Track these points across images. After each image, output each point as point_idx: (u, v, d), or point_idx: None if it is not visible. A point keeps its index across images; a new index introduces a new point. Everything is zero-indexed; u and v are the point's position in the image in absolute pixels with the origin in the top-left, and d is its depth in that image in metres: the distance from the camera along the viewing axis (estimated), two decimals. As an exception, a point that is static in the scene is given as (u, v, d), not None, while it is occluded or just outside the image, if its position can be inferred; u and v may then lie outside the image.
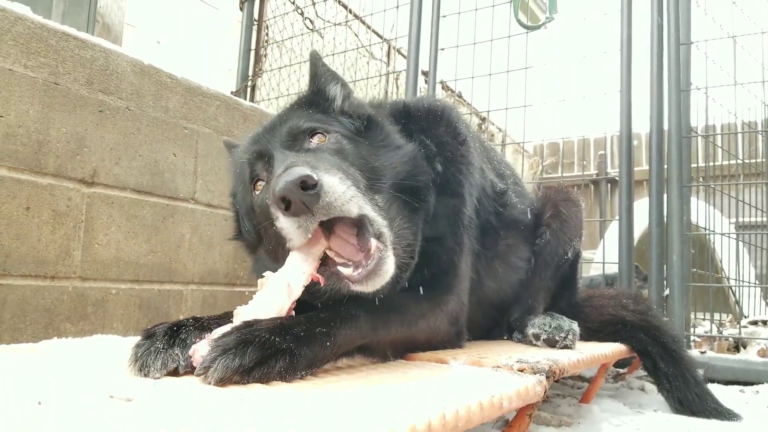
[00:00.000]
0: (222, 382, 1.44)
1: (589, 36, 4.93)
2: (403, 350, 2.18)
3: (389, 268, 1.80)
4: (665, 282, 3.91)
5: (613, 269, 6.84)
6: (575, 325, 2.70)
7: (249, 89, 6.46)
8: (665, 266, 3.92)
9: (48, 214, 2.72)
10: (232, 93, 6.37)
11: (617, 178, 11.92)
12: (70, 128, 2.83)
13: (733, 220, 5.57)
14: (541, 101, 4.81)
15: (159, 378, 1.57)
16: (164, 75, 3.31)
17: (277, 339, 1.58)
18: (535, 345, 2.74)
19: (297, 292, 1.75)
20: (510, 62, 4.97)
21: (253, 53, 6.64)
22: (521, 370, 2.04)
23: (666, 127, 4.03)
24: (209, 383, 1.45)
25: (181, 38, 6.76)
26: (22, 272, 2.61)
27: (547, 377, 1.98)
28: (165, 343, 1.64)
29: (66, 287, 2.79)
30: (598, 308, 3.43)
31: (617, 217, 5.44)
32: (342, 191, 1.68)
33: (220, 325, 1.85)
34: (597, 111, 5.52)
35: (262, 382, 1.51)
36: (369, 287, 1.78)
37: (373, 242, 1.77)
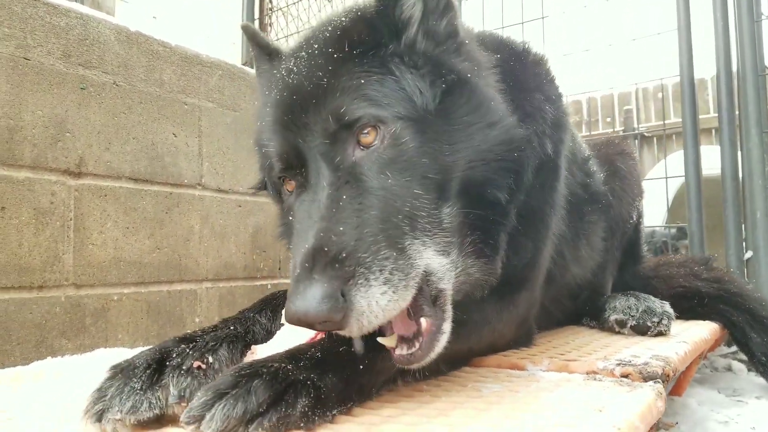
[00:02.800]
0: None
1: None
2: (458, 364, 1.73)
3: (442, 341, 1.34)
4: (744, 244, 3.41)
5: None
6: (668, 307, 2.23)
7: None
8: (743, 226, 3.42)
9: (28, 213, 2.30)
10: (237, 67, 5.89)
11: (645, 134, 11.26)
12: (48, 110, 2.40)
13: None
14: (585, 48, 4.27)
15: (126, 430, 1.17)
16: (155, 43, 2.86)
17: (289, 367, 1.16)
18: (618, 333, 2.28)
19: None
20: (544, 8, 4.42)
21: (257, 23, 6.13)
22: (626, 376, 1.59)
23: (735, 65, 3.49)
24: None
25: (178, 11, 6.27)
26: (3, 284, 2.20)
27: (662, 383, 1.53)
28: (147, 379, 1.21)
29: (58, 297, 2.38)
30: (666, 279, 2.96)
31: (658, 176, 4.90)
32: (381, 308, 1.18)
33: (217, 339, 1.43)
34: (641, 58, 4.94)
35: None
36: (415, 366, 1.34)
37: (424, 322, 1.30)
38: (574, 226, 2.21)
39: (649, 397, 1.37)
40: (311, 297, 1.11)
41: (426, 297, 1.33)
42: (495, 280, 1.59)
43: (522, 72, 1.85)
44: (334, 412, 1.21)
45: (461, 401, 1.39)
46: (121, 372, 1.25)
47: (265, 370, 1.14)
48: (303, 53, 1.52)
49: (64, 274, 2.41)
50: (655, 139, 12.08)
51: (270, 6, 6.17)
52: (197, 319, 2.94)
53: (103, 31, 2.62)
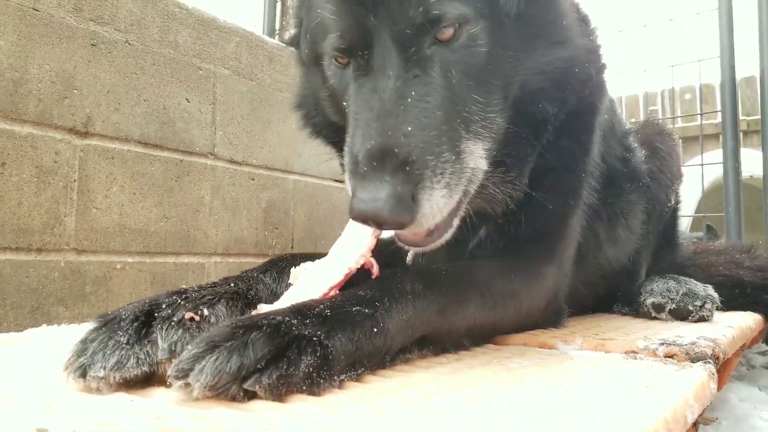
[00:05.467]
0: (214, 392, 0.90)
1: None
2: (481, 339, 1.59)
3: (449, 234, 1.41)
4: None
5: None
6: (712, 290, 2.06)
7: (276, 44, 5.86)
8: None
9: (30, 171, 2.19)
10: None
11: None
12: (56, 65, 2.28)
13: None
14: (617, 28, 4.07)
15: (111, 389, 1.03)
16: (171, 3, 2.73)
17: (294, 321, 1.02)
18: (655, 318, 2.10)
19: (338, 277, 1.26)
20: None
21: (279, 5, 6.02)
22: (670, 356, 1.42)
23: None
24: (195, 397, 0.90)
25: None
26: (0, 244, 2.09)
27: (713, 365, 1.36)
28: (134, 333, 1.07)
29: (57, 262, 2.26)
30: (704, 268, 2.78)
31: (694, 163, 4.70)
32: (440, 209, 1.26)
33: (215, 293, 1.30)
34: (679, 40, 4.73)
35: (279, 394, 0.95)
36: (418, 250, 1.44)
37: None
38: (611, 203, 2.07)
39: (702, 375, 1.20)
40: (385, 198, 1.14)
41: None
42: (517, 196, 1.58)
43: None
44: (342, 376, 1.07)
45: (486, 375, 1.24)
46: (106, 325, 1.12)
47: (266, 323, 1.00)
48: None
49: (65, 237, 2.29)
50: (680, 141, 11.79)
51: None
52: (204, 294, 2.81)
53: (116, -13, 2.50)
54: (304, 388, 0.98)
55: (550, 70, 1.50)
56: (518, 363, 1.36)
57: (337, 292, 1.28)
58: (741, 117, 8.37)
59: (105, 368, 1.02)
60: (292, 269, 1.43)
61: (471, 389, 1.09)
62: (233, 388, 0.91)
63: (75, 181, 2.32)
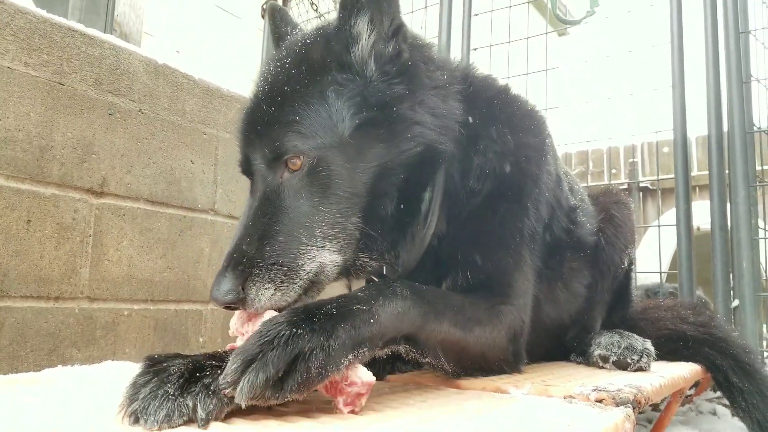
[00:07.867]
0: (254, 401, 1.23)
1: (634, 30, 4.58)
2: (453, 356, 1.85)
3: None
4: (732, 293, 3.52)
5: (651, 280, 6.38)
6: (649, 345, 2.34)
7: (271, 99, 6.23)
8: (731, 275, 3.54)
9: (52, 227, 2.46)
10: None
11: (650, 186, 11.37)
12: (77, 133, 2.58)
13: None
14: (583, 100, 4.47)
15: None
16: (180, 75, 3.06)
17: (300, 331, 1.32)
18: (602, 367, 2.39)
19: None
20: (548, 62, 4.65)
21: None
22: (599, 401, 1.70)
23: (725, 123, 3.67)
24: (241, 405, 1.24)
25: (201, 47, 6.56)
26: (23, 293, 2.35)
27: (633, 409, 1.64)
28: (179, 387, 1.30)
29: (72, 309, 2.51)
30: (654, 322, 3.06)
31: (653, 224, 5.06)
32: (266, 299, 1.55)
33: None
34: (639, 112, 5.16)
35: (301, 393, 1.28)
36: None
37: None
38: (553, 269, 2.36)
39: (617, 417, 1.48)
40: (222, 289, 1.51)
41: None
42: (382, 267, 1.84)
43: (489, 108, 2.10)
44: (347, 361, 1.36)
45: (447, 412, 1.51)
46: (156, 374, 1.30)
47: (278, 337, 1.29)
48: (278, 62, 1.77)
49: (80, 287, 2.55)
50: (659, 192, 12.24)
51: (287, 47, 6.46)
52: (201, 339, 3.06)
53: (133, 62, 2.83)
54: (320, 377, 1.29)
55: (397, 172, 1.75)
56: (473, 405, 1.63)
57: None
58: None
59: (157, 421, 1.25)
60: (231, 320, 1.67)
61: (432, 423, 1.36)
62: (267, 394, 1.22)
63: (90, 236, 2.60)
